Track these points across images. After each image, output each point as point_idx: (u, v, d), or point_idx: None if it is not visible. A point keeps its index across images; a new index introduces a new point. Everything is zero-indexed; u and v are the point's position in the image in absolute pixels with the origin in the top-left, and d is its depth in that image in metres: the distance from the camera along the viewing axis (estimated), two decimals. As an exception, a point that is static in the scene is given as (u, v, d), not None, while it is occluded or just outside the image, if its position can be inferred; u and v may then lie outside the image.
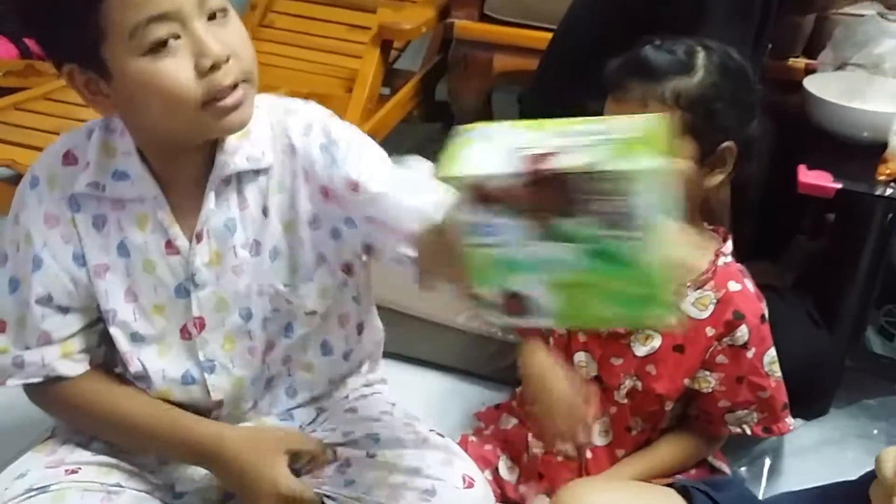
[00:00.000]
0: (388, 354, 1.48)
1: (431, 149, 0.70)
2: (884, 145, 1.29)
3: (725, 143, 1.03)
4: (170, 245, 0.91)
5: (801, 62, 1.76)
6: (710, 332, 1.06)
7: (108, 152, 0.89)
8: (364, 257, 0.96)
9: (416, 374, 1.56)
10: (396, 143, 2.25)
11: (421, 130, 2.37)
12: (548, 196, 0.54)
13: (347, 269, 0.96)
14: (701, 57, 1.02)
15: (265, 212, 0.90)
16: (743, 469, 1.32)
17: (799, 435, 1.40)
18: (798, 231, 1.80)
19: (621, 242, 0.55)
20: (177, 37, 0.77)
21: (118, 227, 0.90)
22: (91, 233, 0.90)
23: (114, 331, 0.93)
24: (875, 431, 1.42)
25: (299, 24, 2.48)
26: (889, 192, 1.25)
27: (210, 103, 0.79)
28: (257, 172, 0.90)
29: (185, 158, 0.88)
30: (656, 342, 1.08)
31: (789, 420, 1.13)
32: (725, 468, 1.21)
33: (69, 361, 0.93)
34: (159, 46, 0.76)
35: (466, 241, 0.58)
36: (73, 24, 0.77)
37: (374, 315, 1.09)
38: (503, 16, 2.02)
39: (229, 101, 0.80)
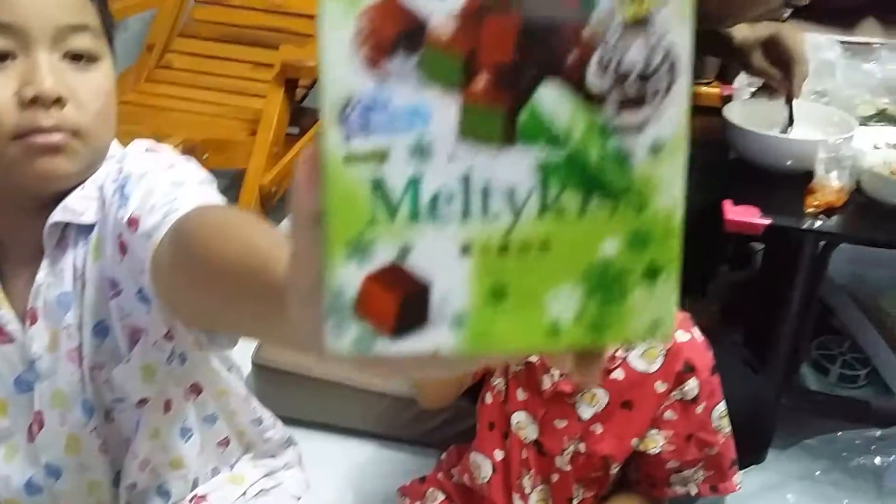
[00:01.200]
0: (301, 423, 1.38)
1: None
2: (809, 174, 1.24)
3: None
4: (1, 332, 0.78)
5: (715, 88, 1.73)
6: (660, 386, 0.99)
7: None
8: None
9: (334, 444, 1.45)
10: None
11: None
12: (519, 36, 0.27)
13: (169, 335, 0.79)
14: None
15: (84, 281, 0.76)
16: (685, 527, 1.24)
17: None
18: (722, 261, 1.76)
19: (636, 145, 0.27)
20: (14, 56, 0.69)
21: None
22: None
23: None
24: (817, 472, 1.37)
25: (199, 63, 2.36)
26: (818, 224, 1.19)
27: (23, 138, 0.69)
28: (86, 234, 0.76)
29: (23, 223, 0.76)
30: (603, 400, 0.99)
31: (737, 478, 1.06)
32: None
33: None
34: None
35: (332, 147, 0.27)
36: None
37: (232, 378, 0.92)
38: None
39: (41, 139, 0.70)
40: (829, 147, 1.23)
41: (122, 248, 0.71)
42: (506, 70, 0.27)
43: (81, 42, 0.71)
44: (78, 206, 0.74)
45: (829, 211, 1.21)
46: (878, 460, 1.37)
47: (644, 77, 0.27)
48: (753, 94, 1.45)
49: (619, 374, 0.99)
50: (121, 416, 0.82)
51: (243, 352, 1.40)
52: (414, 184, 0.27)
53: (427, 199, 0.27)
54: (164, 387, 0.81)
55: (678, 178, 0.28)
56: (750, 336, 1.52)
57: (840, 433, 1.40)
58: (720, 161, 1.43)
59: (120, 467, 0.85)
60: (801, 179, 1.25)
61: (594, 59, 0.27)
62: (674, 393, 1.00)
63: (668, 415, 1.00)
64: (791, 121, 1.36)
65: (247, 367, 1.45)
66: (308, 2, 2.33)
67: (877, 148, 1.32)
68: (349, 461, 1.41)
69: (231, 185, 2.08)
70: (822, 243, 1.29)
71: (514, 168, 0.27)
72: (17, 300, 0.77)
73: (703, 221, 1.30)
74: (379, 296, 0.27)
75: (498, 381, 1.07)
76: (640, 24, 0.27)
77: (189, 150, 1.85)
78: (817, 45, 1.48)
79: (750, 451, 1.23)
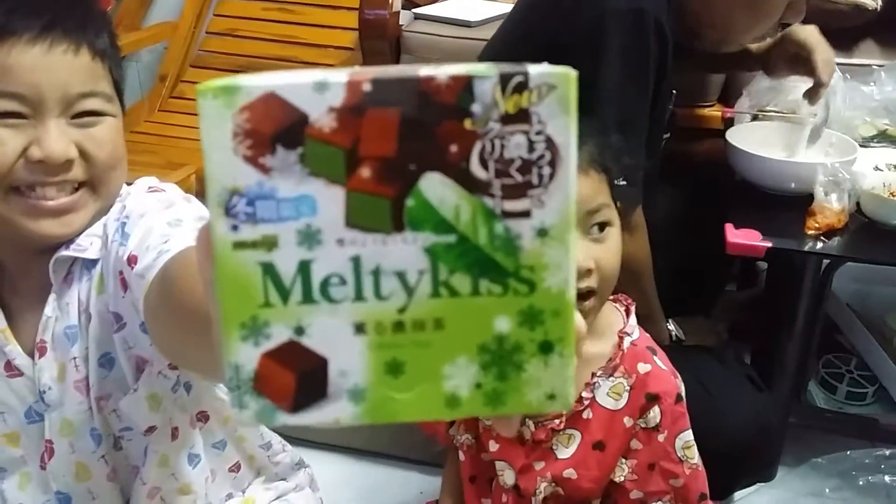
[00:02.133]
0: (316, 445, 1.41)
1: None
2: (810, 196, 1.26)
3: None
4: (10, 366, 0.80)
5: (717, 110, 1.75)
6: (628, 422, 0.97)
7: None
8: None
9: (348, 465, 1.47)
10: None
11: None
12: (400, 129, 0.28)
13: (173, 364, 0.80)
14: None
15: (89, 315, 0.79)
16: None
17: (751, 500, 1.35)
18: (728, 280, 1.78)
19: (523, 229, 0.28)
20: (25, 117, 0.72)
21: None
22: None
23: None
24: (827, 490, 1.38)
25: (211, 93, 2.40)
26: (819, 246, 1.21)
27: (22, 193, 0.72)
28: (90, 269, 0.78)
29: (32, 260, 0.78)
30: (577, 440, 0.98)
31: None
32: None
33: None
34: (1, 117, 0.71)
35: (221, 234, 0.28)
36: None
37: (225, 401, 0.91)
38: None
39: (51, 203, 0.73)
40: (828, 170, 1.25)
41: (124, 285, 0.74)
42: (389, 161, 0.28)
43: (91, 105, 0.74)
44: (83, 242, 0.77)
45: (829, 232, 1.23)
46: (887, 478, 1.38)
47: (527, 166, 0.28)
48: (813, 112, 1.46)
49: (588, 414, 0.98)
50: (129, 445, 0.84)
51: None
52: (305, 268, 0.28)
53: (319, 282, 0.28)
54: (171, 415, 0.84)
55: (567, 260, 0.29)
56: (757, 355, 1.53)
57: (849, 452, 1.41)
58: (723, 183, 1.46)
59: (129, 495, 0.87)
60: (803, 202, 1.27)
61: (476, 149, 0.28)
62: (639, 421, 0.98)
63: (634, 444, 0.99)
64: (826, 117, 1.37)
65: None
66: (316, 32, 2.38)
67: (877, 169, 1.34)
68: (363, 482, 1.43)
69: (243, 212, 2.12)
70: (825, 264, 1.30)
71: (404, 252, 0.28)
72: (26, 334, 0.80)
73: (706, 243, 1.32)
74: (277, 373, 0.29)
75: (465, 437, 1.07)
76: (520, 115, 0.28)
77: (202, 178, 1.89)
78: (816, 69, 1.51)
79: (756, 468, 1.25)
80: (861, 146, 1.38)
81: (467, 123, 0.28)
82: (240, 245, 0.28)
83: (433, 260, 0.29)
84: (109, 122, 0.76)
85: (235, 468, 0.95)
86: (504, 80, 0.27)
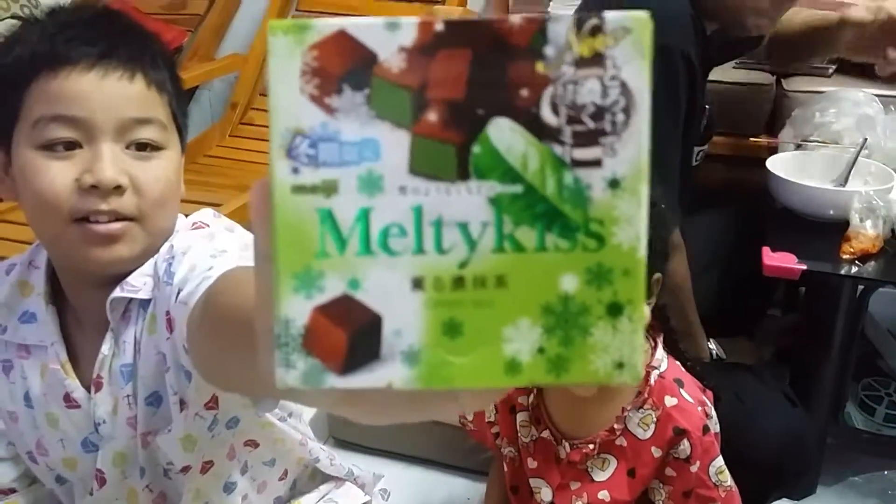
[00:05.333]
0: (366, 450, 1.49)
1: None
2: (847, 223, 1.31)
3: (655, 276, 1.02)
4: (68, 398, 0.83)
5: (763, 141, 1.80)
6: (656, 452, 1.04)
7: (24, 291, 0.84)
8: None
9: (397, 470, 1.54)
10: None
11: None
12: (470, 72, 0.27)
13: (210, 404, 0.81)
14: None
15: (141, 354, 0.79)
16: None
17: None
18: (771, 305, 1.82)
19: (593, 179, 0.27)
20: (79, 146, 0.73)
21: (22, 376, 0.84)
22: (1, 378, 0.85)
23: (37, 471, 0.89)
24: (864, 509, 1.41)
25: (278, 119, 2.53)
26: (854, 270, 1.26)
27: (81, 222, 0.74)
28: (146, 309, 0.78)
29: (92, 296, 0.79)
30: (612, 465, 1.05)
31: None
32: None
33: None
34: (58, 146, 0.73)
35: (281, 177, 0.27)
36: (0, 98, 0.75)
37: (286, 426, 0.94)
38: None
39: (101, 228, 0.73)
40: (863, 197, 1.30)
41: (170, 325, 0.74)
42: (457, 105, 0.27)
43: (146, 133, 0.75)
44: (136, 283, 0.78)
45: (864, 257, 1.27)
46: (925, 500, 1.41)
47: (599, 112, 0.27)
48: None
49: (622, 442, 1.05)
50: (176, 476, 0.86)
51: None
52: (364, 216, 0.27)
53: (377, 232, 0.27)
54: (205, 452, 0.84)
55: (639, 213, 0.27)
56: (795, 376, 1.57)
57: (887, 472, 1.44)
58: (764, 210, 1.51)
59: None
60: (840, 228, 1.32)
61: (547, 94, 0.27)
62: (671, 451, 1.04)
63: (668, 471, 1.05)
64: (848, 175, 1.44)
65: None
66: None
67: (914, 198, 1.38)
68: (413, 488, 1.50)
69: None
70: (860, 288, 1.35)
71: (468, 202, 0.27)
72: (86, 368, 0.82)
73: (749, 267, 1.38)
74: (328, 330, 0.27)
75: (509, 450, 1.14)
76: (594, 59, 0.27)
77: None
78: (857, 101, 1.56)
79: (788, 480, 1.29)
80: (900, 176, 1.42)
81: (539, 67, 0.27)
82: (299, 189, 0.27)
83: (498, 211, 0.27)
84: (166, 157, 0.77)
85: (283, 475, 0.98)
86: (579, 23, 0.27)
